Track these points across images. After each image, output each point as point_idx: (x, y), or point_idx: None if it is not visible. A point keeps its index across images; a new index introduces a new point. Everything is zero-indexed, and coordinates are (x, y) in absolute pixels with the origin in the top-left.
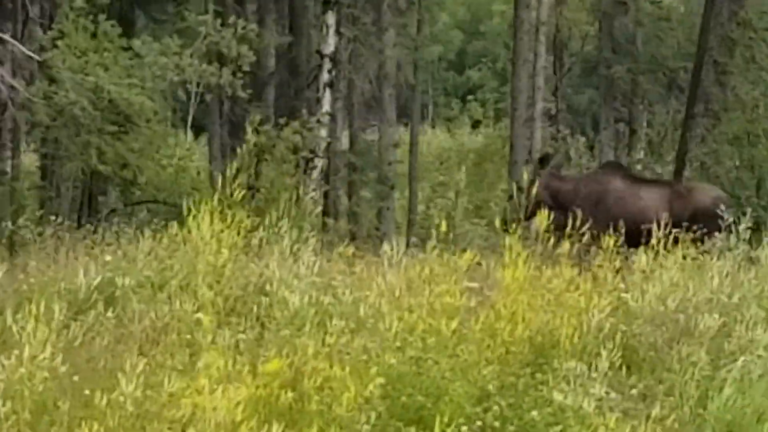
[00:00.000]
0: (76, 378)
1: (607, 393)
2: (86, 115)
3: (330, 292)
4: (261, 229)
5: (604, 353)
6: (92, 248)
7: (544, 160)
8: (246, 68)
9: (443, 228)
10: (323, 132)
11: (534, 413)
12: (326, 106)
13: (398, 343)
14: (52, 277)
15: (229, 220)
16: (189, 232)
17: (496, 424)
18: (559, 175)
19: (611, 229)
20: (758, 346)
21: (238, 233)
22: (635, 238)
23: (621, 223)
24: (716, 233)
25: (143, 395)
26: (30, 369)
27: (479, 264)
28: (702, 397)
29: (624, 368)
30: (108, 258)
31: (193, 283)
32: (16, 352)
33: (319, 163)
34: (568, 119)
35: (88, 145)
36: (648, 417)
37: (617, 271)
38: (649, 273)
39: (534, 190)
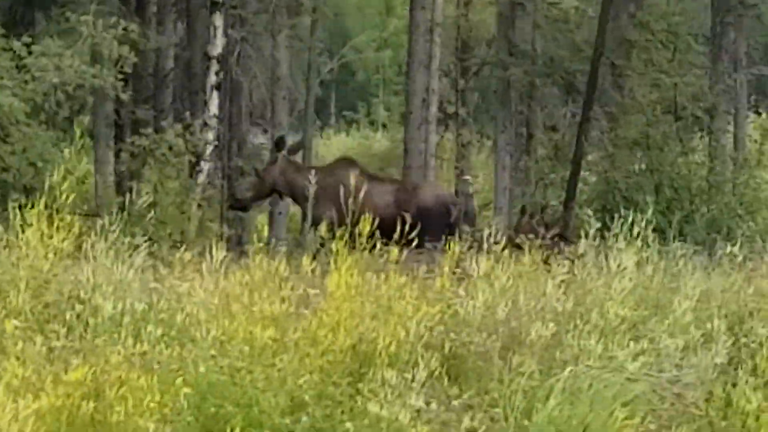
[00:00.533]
0: None
1: (427, 404)
2: None
3: (146, 300)
4: (93, 234)
5: (421, 362)
6: None
7: (280, 144)
8: (128, 70)
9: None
10: (210, 135)
11: (348, 425)
12: (213, 109)
13: (213, 352)
14: None
15: (57, 224)
16: (15, 236)
17: None
18: (296, 164)
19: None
20: (589, 356)
21: (65, 239)
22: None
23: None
24: (440, 232)
25: None
26: None
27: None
28: (528, 408)
29: (449, 378)
30: None
31: (9, 289)
32: None
33: (206, 166)
34: (478, 122)
35: None
36: (468, 429)
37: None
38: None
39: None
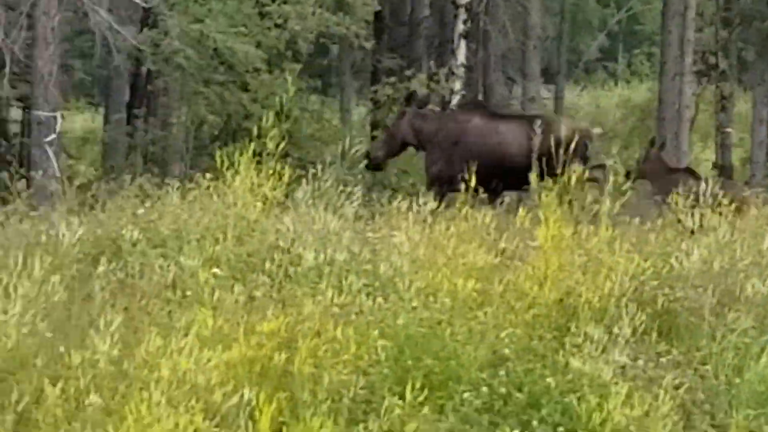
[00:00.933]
0: (49, 335)
1: (634, 360)
2: (191, 64)
3: (351, 250)
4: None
5: (626, 318)
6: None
7: (410, 98)
8: (369, 18)
9: None
10: (457, 84)
11: (549, 380)
12: (461, 57)
13: (415, 304)
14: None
15: (268, 172)
16: (225, 184)
17: (502, 390)
18: (423, 114)
19: (465, 171)
20: None
21: (276, 187)
22: (496, 177)
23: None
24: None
25: (123, 353)
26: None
27: None
28: (740, 366)
29: (659, 335)
30: (140, 211)
31: (215, 237)
32: None
33: None
34: (741, 74)
35: (199, 94)
36: (675, 386)
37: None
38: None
39: (400, 128)
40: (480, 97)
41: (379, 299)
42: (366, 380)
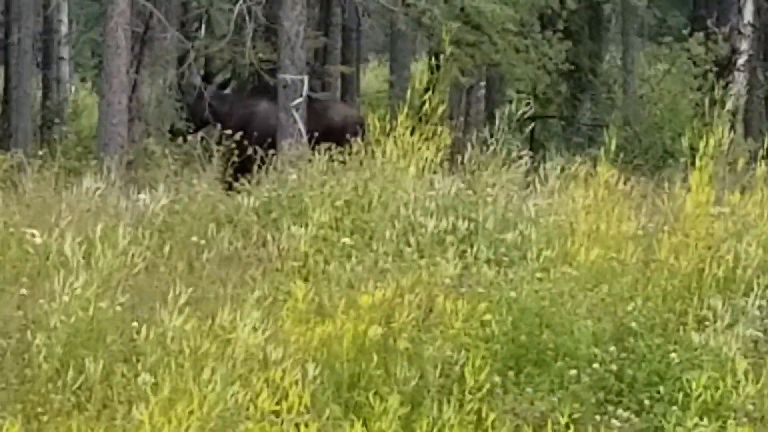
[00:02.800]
0: (119, 309)
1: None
2: (435, 24)
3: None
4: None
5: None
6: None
7: (208, 78)
8: None
9: None
10: (744, 44)
11: (673, 355)
12: (748, 16)
13: (539, 275)
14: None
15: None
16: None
17: (614, 367)
18: (221, 95)
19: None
20: None
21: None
22: None
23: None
24: None
25: (195, 328)
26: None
27: None
28: None
29: None
30: (293, 177)
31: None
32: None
33: (739, 77)
34: None
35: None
36: None
37: None
38: None
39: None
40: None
41: (504, 269)
42: (472, 355)
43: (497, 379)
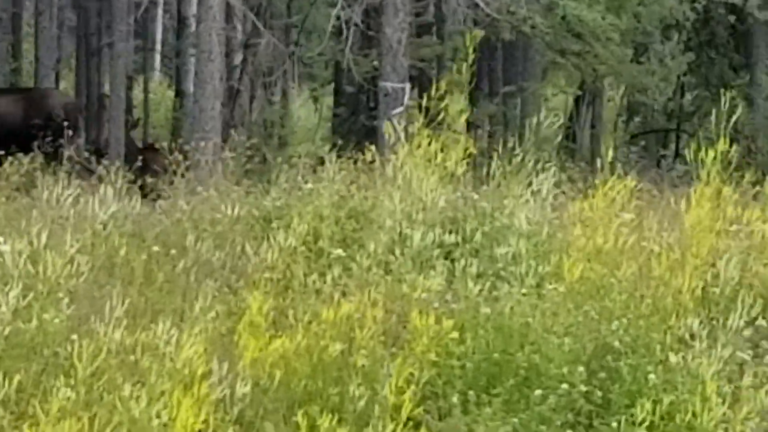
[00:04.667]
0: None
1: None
2: (536, 32)
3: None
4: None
5: (740, 307)
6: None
7: None
8: None
9: None
10: None
11: (652, 376)
12: None
13: (524, 291)
14: None
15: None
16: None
17: (583, 387)
18: None
19: None
20: None
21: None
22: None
23: None
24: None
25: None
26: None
27: None
28: None
29: None
30: (309, 186)
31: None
32: None
33: None
34: None
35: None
36: None
37: None
38: None
39: None
40: None
41: (488, 285)
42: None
43: (455, 399)
